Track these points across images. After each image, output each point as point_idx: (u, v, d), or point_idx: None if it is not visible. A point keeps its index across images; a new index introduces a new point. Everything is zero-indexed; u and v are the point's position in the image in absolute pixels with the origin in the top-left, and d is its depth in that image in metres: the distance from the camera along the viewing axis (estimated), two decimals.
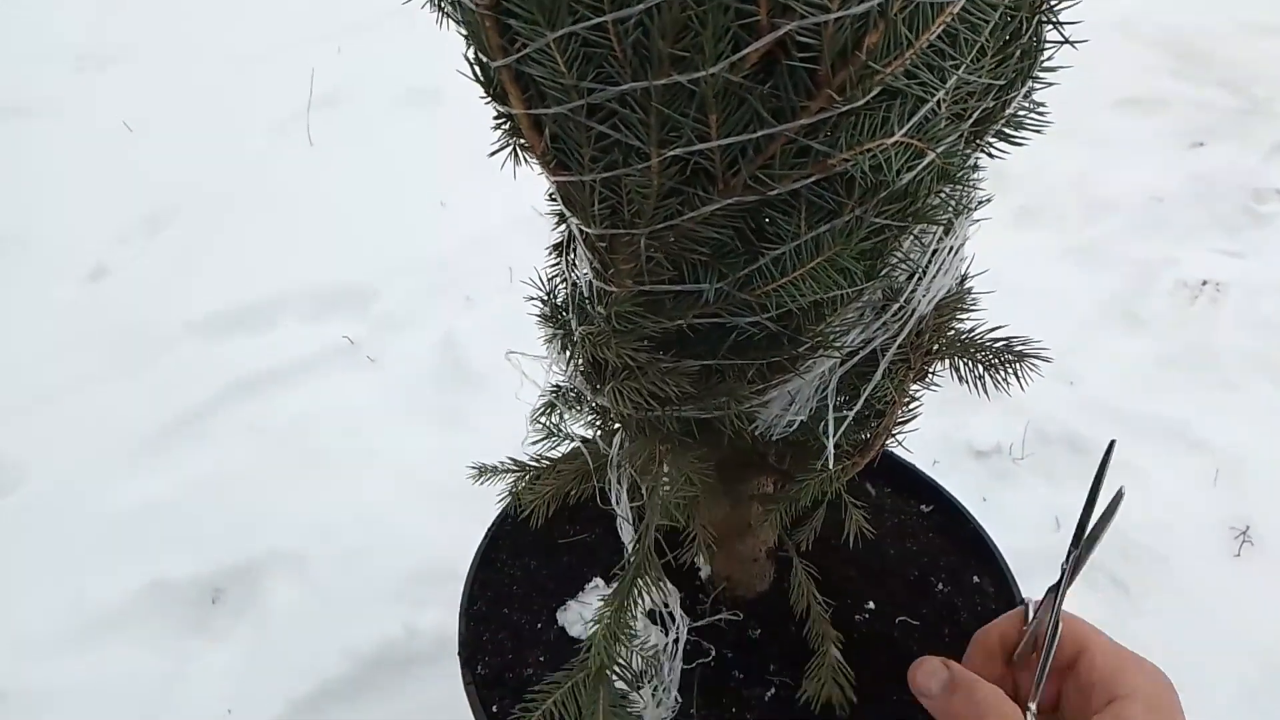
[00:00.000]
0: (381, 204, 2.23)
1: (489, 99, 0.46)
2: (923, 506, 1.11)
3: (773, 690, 0.92)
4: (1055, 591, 0.62)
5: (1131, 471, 1.50)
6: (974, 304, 0.65)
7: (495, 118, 0.47)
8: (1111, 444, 0.76)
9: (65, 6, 3.23)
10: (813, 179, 0.44)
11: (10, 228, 2.27)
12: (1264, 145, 2.12)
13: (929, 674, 0.61)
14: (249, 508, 1.62)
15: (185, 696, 1.39)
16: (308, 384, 1.85)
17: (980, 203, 0.59)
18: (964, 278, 0.62)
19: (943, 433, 1.60)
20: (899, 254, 0.50)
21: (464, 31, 0.45)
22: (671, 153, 0.43)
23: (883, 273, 0.49)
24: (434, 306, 1.96)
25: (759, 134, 0.42)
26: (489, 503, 1.13)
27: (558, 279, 0.66)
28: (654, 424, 0.57)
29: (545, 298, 0.64)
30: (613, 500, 0.61)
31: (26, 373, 1.89)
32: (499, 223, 2.09)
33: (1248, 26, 2.49)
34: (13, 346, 1.95)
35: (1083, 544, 0.63)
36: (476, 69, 0.46)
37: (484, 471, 0.79)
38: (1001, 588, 1.01)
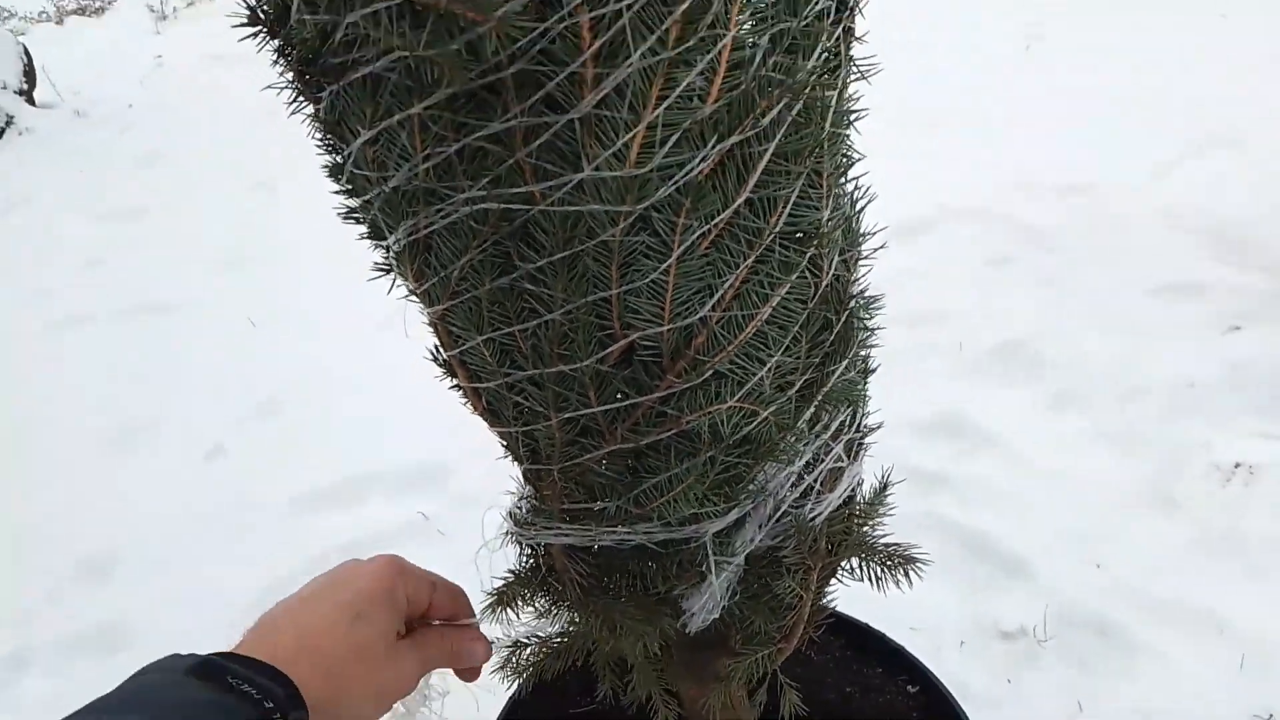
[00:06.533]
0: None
1: (443, 375, 0.64)
2: (910, 687, 1.19)
3: None
4: None
5: (1157, 657, 1.53)
6: (881, 515, 0.77)
7: (450, 387, 0.65)
8: None
9: (218, 216, 3.73)
10: (671, 433, 0.60)
11: (142, 413, 2.60)
12: None
13: None
14: None
15: None
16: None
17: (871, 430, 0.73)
18: (852, 497, 0.75)
19: (969, 614, 1.66)
20: (755, 484, 0.64)
21: (429, 329, 0.63)
22: (564, 416, 0.59)
23: (741, 499, 0.64)
24: (504, 486, 2.14)
25: (625, 403, 0.59)
26: None
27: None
28: (599, 609, 0.72)
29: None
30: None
31: (149, 545, 2.14)
32: None
33: None
34: (139, 520, 2.22)
35: None
36: (434, 353, 0.64)
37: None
38: None
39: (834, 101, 0.60)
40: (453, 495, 2.16)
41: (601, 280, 0.56)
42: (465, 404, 0.65)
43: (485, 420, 0.64)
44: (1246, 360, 2.07)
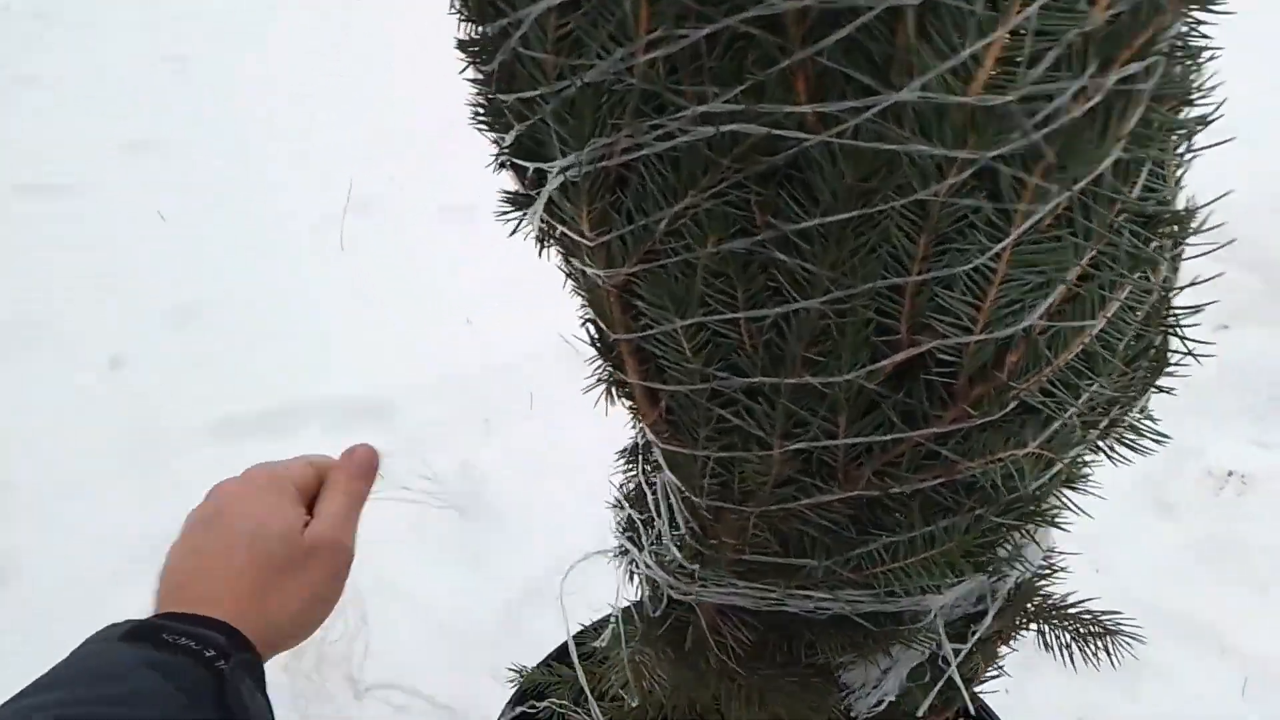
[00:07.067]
0: (408, 316, 2.23)
1: (603, 362, 0.45)
2: None
3: None
4: None
5: (1160, 672, 1.46)
6: (1062, 568, 0.63)
7: (606, 380, 0.46)
8: None
9: (123, 91, 3.31)
10: (937, 482, 0.42)
11: (33, 310, 2.26)
12: None
13: None
14: None
15: None
16: None
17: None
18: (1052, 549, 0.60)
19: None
20: (1007, 548, 0.48)
21: (586, 298, 0.43)
22: (794, 446, 0.41)
23: (989, 567, 0.47)
24: (453, 430, 1.94)
25: (888, 437, 0.40)
26: (504, 653, 1.07)
27: (629, 484, 0.63)
28: (751, 685, 0.54)
29: (625, 515, 0.61)
30: None
31: (38, 463, 1.85)
32: (524, 347, 2.08)
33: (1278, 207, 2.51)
34: (28, 433, 1.92)
35: None
36: (593, 332, 0.44)
37: (523, 676, 0.75)
38: None
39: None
40: (397, 435, 1.94)
41: (900, 259, 0.37)
42: (634, 413, 0.45)
43: (655, 432, 0.44)
44: (1238, 362, 2.01)
